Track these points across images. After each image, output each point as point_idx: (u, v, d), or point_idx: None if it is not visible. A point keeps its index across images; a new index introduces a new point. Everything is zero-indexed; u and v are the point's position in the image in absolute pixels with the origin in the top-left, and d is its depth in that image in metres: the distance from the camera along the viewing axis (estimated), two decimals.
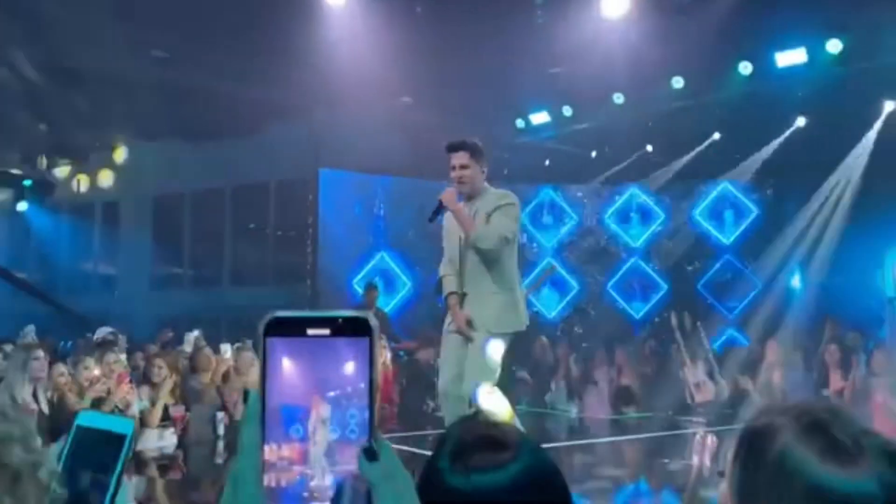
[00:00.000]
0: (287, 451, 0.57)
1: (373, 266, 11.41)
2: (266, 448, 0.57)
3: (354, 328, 0.59)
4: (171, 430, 6.26)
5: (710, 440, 7.52)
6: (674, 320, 9.23)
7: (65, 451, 0.64)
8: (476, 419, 1.05)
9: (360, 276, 11.28)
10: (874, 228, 10.22)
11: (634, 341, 10.18)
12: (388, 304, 11.03)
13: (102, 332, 7.18)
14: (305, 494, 0.57)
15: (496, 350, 4.15)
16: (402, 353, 9.14)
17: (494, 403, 4.12)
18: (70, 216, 16.03)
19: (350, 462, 0.58)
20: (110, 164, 15.46)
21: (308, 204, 11.29)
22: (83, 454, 0.65)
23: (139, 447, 6.03)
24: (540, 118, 11.89)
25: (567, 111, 11.68)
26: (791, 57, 9.90)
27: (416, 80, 10.40)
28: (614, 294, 12.28)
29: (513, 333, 4.21)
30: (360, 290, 11.01)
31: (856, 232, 10.64)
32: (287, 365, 0.58)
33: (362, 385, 0.59)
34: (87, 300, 14.60)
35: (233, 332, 8.64)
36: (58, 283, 15.82)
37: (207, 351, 7.09)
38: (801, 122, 10.87)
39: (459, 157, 4.34)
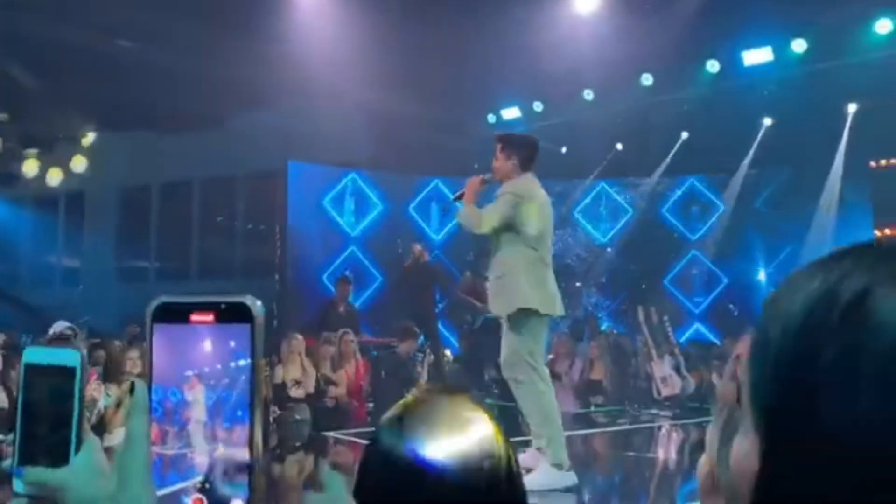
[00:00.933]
0: (169, 431, 0.60)
1: (343, 260, 11.35)
2: None
3: (237, 314, 0.61)
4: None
5: (676, 434, 7.63)
6: (641, 314, 9.34)
7: (20, 393, 0.64)
8: (435, 391, 1.00)
9: (329, 270, 11.22)
10: (842, 224, 10.45)
11: (601, 335, 10.27)
12: (359, 298, 10.99)
13: (59, 326, 7.00)
14: (185, 473, 0.60)
15: (509, 336, 4.19)
16: (372, 347, 9.12)
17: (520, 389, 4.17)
18: (33, 208, 15.70)
19: (226, 443, 0.59)
20: (75, 155, 15.17)
21: (277, 196, 11.19)
22: (37, 392, 0.65)
23: (106, 444, 5.94)
24: (511, 113, 11.93)
25: (538, 107, 11.73)
26: (757, 56, 10.06)
27: (387, 73, 10.35)
28: (582, 288, 12.39)
29: (529, 312, 4.15)
30: (329, 284, 10.95)
31: (821, 226, 10.86)
32: (170, 350, 0.60)
33: (242, 369, 0.60)
34: (51, 293, 14.33)
35: None
36: (20, 276, 15.50)
37: None
38: (767, 121, 11.05)
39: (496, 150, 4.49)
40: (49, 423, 0.66)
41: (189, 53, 10.43)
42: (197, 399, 0.60)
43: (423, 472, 0.89)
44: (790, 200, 11.34)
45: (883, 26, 9.30)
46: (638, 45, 9.93)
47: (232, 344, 0.60)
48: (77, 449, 0.68)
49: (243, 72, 10.27)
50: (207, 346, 0.60)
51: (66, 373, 0.69)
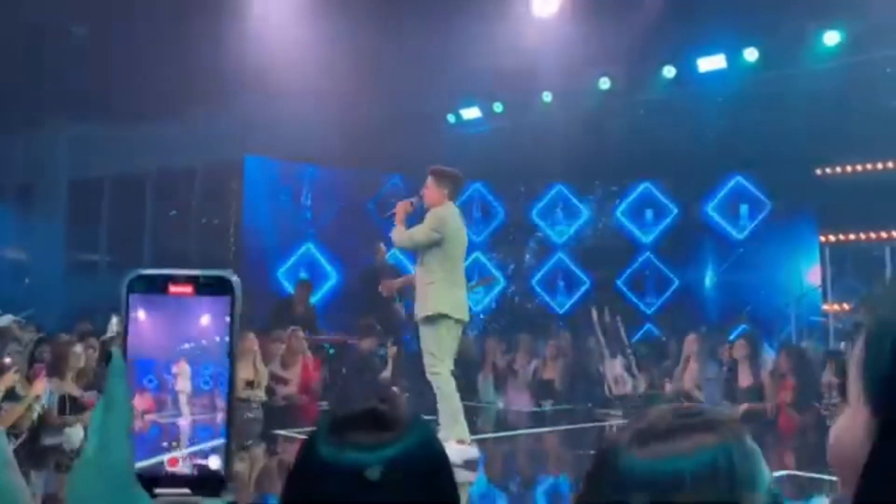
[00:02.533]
0: (142, 400, 0.61)
1: (299, 257, 11.26)
2: None
3: (216, 287, 0.62)
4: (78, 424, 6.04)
5: None
6: (595, 315, 9.47)
7: None
8: (376, 396, 1.01)
9: (285, 267, 11.12)
10: (788, 230, 10.73)
11: (556, 335, 10.38)
12: (315, 295, 10.92)
13: (5, 320, 6.80)
14: (160, 442, 0.61)
15: (428, 334, 5.02)
16: (327, 345, 9.07)
17: (443, 383, 4.90)
18: None
19: (202, 411, 0.61)
20: (24, 145, 14.75)
21: (233, 191, 11.05)
22: None
23: (47, 443, 5.80)
24: (471, 113, 11.98)
25: (498, 107, 11.80)
26: (712, 62, 10.29)
27: (347, 69, 10.30)
28: (538, 289, 12.50)
29: (443, 316, 4.97)
30: (284, 281, 10.86)
31: (768, 231, 11.15)
32: (147, 320, 0.61)
33: (219, 340, 0.61)
34: None
35: None
36: None
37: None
38: (720, 127, 11.27)
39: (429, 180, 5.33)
40: None
41: (145, 42, 10.23)
42: (182, 370, 0.61)
43: (357, 475, 0.88)
44: (740, 206, 11.62)
45: (831, 38, 9.60)
46: (596, 49, 10.06)
47: (210, 316, 0.61)
48: None
49: (200, 63, 10.12)
50: (191, 317, 0.61)
51: None
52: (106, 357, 0.55)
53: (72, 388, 6.12)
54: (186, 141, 12.58)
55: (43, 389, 5.76)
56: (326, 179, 11.55)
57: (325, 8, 9.42)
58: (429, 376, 4.99)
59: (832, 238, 10.34)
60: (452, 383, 4.95)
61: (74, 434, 6.01)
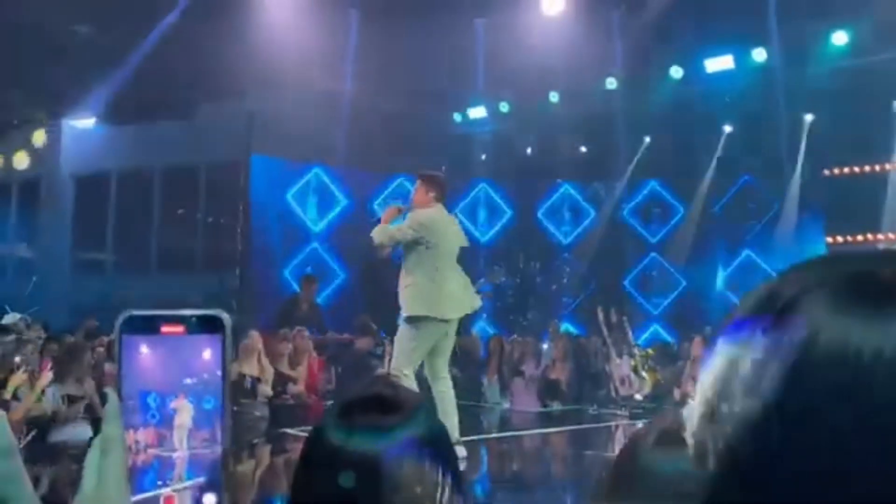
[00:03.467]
0: (143, 435, 0.63)
1: (305, 256, 11.26)
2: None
3: (208, 326, 0.63)
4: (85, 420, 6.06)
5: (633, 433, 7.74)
6: (601, 315, 9.44)
7: None
8: (378, 381, 1.02)
9: (291, 266, 11.12)
10: (796, 231, 10.70)
11: (563, 337, 10.35)
12: (320, 294, 10.92)
13: (11, 317, 6.81)
14: (160, 475, 0.63)
15: (404, 334, 5.02)
16: (329, 344, 9.07)
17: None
18: None
19: (201, 445, 0.63)
20: (29, 143, 14.78)
21: (239, 190, 11.06)
22: None
23: (54, 439, 5.82)
24: (477, 112, 11.97)
25: (504, 107, 11.79)
26: (719, 63, 10.26)
27: (354, 69, 10.31)
28: (544, 289, 12.49)
29: (423, 318, 4.95)
30: (291, 280, 10.86)
31: (775, 232, 11.11)
32: (143, 359, 0.63)
33: (215, 377, 0.63)
34: (2, 285, 13.96)
35: None
36: None
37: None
38: (728, 128, 11.25)
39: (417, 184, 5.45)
40: None
41: (151, 41, 10.25)
42: (182, 406, 0.63)
43: (353, 459, 0.89)
44: (748, 206, 11.59)
45: (839, 38, 9.56)
46: (603, 49, 10.05)
47: (204, 354, 0.63)
48: None
49: (208, 61, 10.13)
50: (185, 356, 0.63)
51: None
52: (101, 397, 0.57)
53: (78, 388, 6.14)
54: (193, 139, 12.60)
55: (48, 381, 5.77)
56: (332, 178, 11.55)
57: (331, 7, 9.43)
58: (393, 372, 4.99)
59: (839, 239, 10.30)
60: (415, 385, 4.90)
61: (81, 431, 6.03)
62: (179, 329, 0.63)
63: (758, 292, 0.50)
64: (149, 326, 0.63)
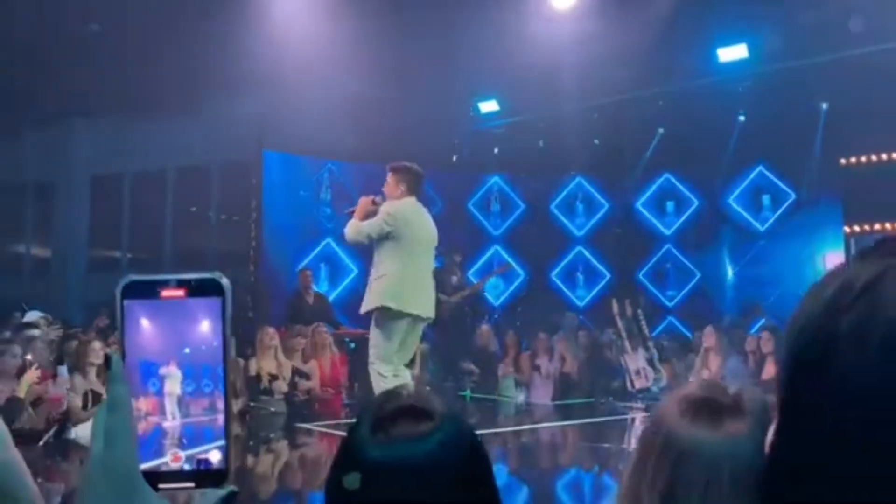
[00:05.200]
0: (144, 403, 0.63)
1: (318, 252, 11.28)
2: None
3: (207, 289, 0.64)
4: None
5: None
6: (615, 308, 9.41)
7: None
8: (398, 390, 1.03)
9: (305, 262, 11.14)
10: (813, 221, 10.60)
11: (574, 329, 10.32)
12: (334, 290, 10.94)
13: (32, 315, 6.87)
14: (162, 442, 0.63)
15: (374, 331, 4.87)
16: (347, 339, 9.08)
17: (378, 381, 4.71)
18: (1, 196, 15.39)
19: (201, 413, 0.63)
20: (45, 142, 14.89)
21: (252, 187, 11.08)
22: None
23: (71, 436, 5.86)
24: (489, 107, 11.93)
25: (515, 100, 11.73)
26: (732, 52, 10.16)
27: (364, 64, 10.28)
28: (558, 282, 12.44)
29: (388, 310, 4.80)
30: None
31: (792, 223, 11.02)
32: (144, 325, 0.63)
33: (215, 342, 0.63)
34: (19, 283, 14.08)
35: None
36: None
37: None
38: (742, 118, 11.15)
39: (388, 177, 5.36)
40: None
41: (163, 39, 10.26)
42: (171, 373, 0.63)
43: (391, 469, 0.91)
44: (763, 196, 11.49)
45: (855, 25, 9.43)
46: (614, 41, 9.96)
47: (204, 318, 0.63)
48: None
49: (218, 59, 10.14)
50: (185, 321, 0.63)
51: None
52: (105, 360, 0.57)
53: (95, 384, 6.18)
54: (205, 137, 12.64)
55: (34, 378, 5.79)
56: (345, 175, 11.55)
57: (342, 3, 9.41)
58: (373, 376, 4.82)
59: (857, 229, 10.20)
60: (389, 383, 4.67)
61: (88, 427, 6.06)
62: (179, 293, 0.63)
63: (832, 279, 0.51)
64: (149, 291, 0.63)
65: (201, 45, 9.88)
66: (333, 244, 11.42)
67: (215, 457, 0.63)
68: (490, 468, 0.97)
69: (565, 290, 12.38)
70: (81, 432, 5.89)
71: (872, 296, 0.47)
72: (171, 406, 0.63)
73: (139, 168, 14.15)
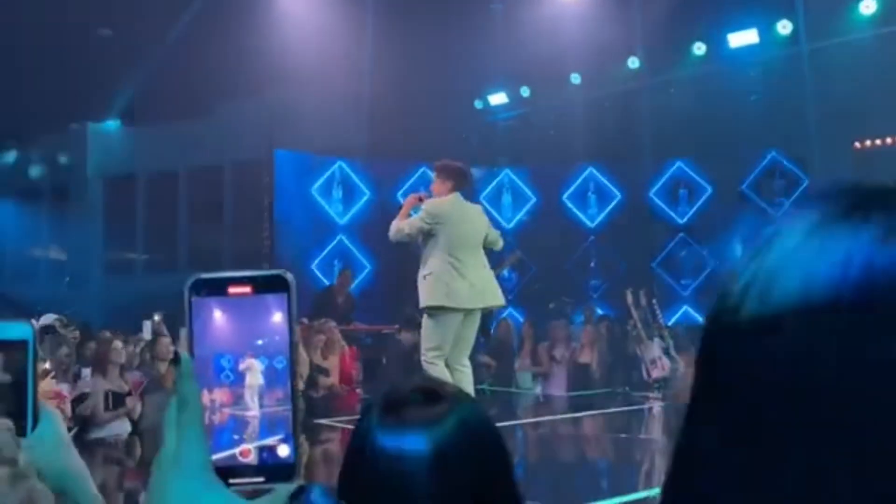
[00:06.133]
0: (218, 394, 0.64)
1: (332, 248, 11.31)
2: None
3: (273, 285, 0.66)
4: (125, 416, 6.17)
5: (666, 415, 7.70)
6: (629, 298, 9.37)
7: None
8: (414, 376, 1.03)
9: (318, 259, 11.18)
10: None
11: (601, 321, 10.29)
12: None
13: (48, 318, 6.91)
14: (234, 433, 0.65)
15: (426, 326, 5.00)
16: (363, 335, 9.12)
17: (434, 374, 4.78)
18: (17, 200, 15.55)
19: (275, 404, 0.65)
20: (59, 146, 15.02)
21: (264, 186, 11.12)
22: None
23: (95, 435, 5.92)
24: (498, 99, 11.90)
25: (525, 91, 11.71)
26: (743, 38, 10.08)
27: (373, 60, 10.30)
28: (572, 272, 12.42)
29: (439, 308, 4.92)
30: (319, 273, 10.93)
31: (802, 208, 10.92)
32: (214, 321, 0.65)
33: (282, 336, 0.65)
34: (36, 287, 14.22)
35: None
36: (3, 269, 15.37)
37: (167, 340, 7.00)
38: (753, 103, 11.07)
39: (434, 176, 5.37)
40: (3, 397, 0.67)
41: (172, 43, 10.32)
42: (251, 366, 0.65)
43: (408, 456, 0.89)
44: (776, 182, 11.41)
45: (867, 7, 9.34)
46: (624, 29, 9.92)
47: (272, 312, 0.65)
48: (34, 422, 0.70)
49: (228, 61, 10.18)
50: (254, 315, 0.65)
51: (18, 346, 0.71)
52: (174, 358, 0.59)
53: (115, 384, 6.24)
54: (216, 138, 12.70)
55: (49, 389, 5.84)
56: (356, 170, 11.57)
57: (349, 2, 9.41)
58: (424, 366, 5.00)
59: None
60: (447, 374, 4.91)
61: (118, 427, 6.13)
62: (247, 289, 0.65)
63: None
64: (217, 288, 0.65)
65: (212, 47, 9.92)
66: (346, 241, 11.46)
67: (284, 451, 0.64)
68: (506, 454, 0.95)
69: (580, 279, 12.36)
70: (102, 432, 5.96)
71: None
72: (250, 397, 0.65)
73: (152, 170, 14.24)
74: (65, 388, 5.94)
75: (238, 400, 0.65)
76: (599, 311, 10.64)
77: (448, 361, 5.05)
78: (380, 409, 0.93)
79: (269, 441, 0.64)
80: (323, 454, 5.75)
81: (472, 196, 5.44)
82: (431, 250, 5.02)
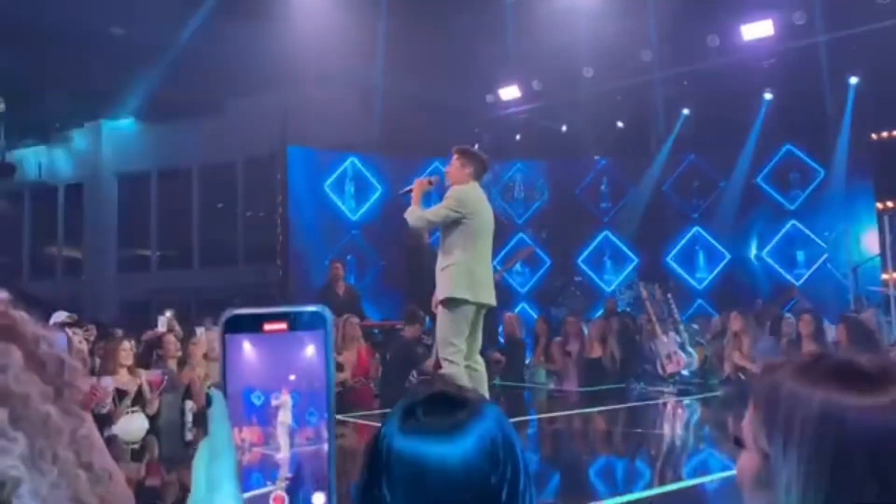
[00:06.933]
0: (249, 433, 0.63)
1: (345, 244, 11.33)
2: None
3: (310, 322, 0.64)
4: (140, 413, 6.19)
5: (682, 410, 7.65)
6: (644, 292, 9.32)
7: None
8: (436, 380, 1.02)
9: (332, 255, 11.20)
10: (844, 197, 10.40)
11: (603, 314, 10.25)
12: (361, 282, 10.98)
13: (59, 316, 6.92)
14: (266, 474, 0.63)
15: (444, 320, 4.67)
16: (376, 331, 9.12)
17: (449, 368, 4.60)
18: (32, 198, 15.67)
19: (306, 443, 0.63)
20: (72, 144, 15.11)
21: (277, 182, 11.15)
22: None
23: (111, 433, 5.95)
24: (509, 93, 11.85)
25: (537, 85, 11.65)
26: (757, 29, 9.98)
27: (384, 55, 10.28)
28: (585, 268, 12.37)
29: (461, 301, 4.63)
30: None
31: (822, 200, 10.83)
32: (247, 358, 0.63)
33: (319, 373, 0.63)
34: (52, 285, 14.34)
35: (204, 315, 8.53)
36: (20, 267, 15.49)
37: (172, 336, 7.01)
38: (768, 96, 10.97)
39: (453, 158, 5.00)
40: None
41: (185, 40, 10.34)
42: (284, 402, 0.63)
43: (429, 463, 0.88)
44: (791, 175, 11.31)
45: None
46: (637, 21, 9.84)
47: (307, 349, 0.64)
48: None
49: (241, 57, 10.20)
50: (289, 353, 0.64)
51: None
52: (207, 399, 0.57)
53: (123, 382, 6.26)
54: (229, 135, 12.73)
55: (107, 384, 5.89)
56: (368, 166, 11.58)
57: None
58: (443, 363, 4.73)
59: (890, 204, 9.99)
60: (460, 371, 4.63)
61: (126, 424, 6.14)
62: (282, 326, 0.63)
63: None
64: (252, 325, 0.63)
65: (224, 45, 9.94)
66: (358, 236, 11.47)
67: (319, 500, 0.62)
68: (525, 461, 0.94)
69: (593, 275, 12.31)
70: (110, 432, 5.96)
71: None
72: (283, 436, 0.63)
73: (165, 167, 14.31)
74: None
75: (268, 439, 0.63)
76: (621, 306, 10.58)
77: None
78: (400, 413, 0.93)
79: (305, 487, 0.62)
80: (339, 450, 5.75)
81: (485, 190, 5.24)
82: (456, 240, 4.68)
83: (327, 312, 0.64)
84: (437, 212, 4.74)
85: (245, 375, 0.63)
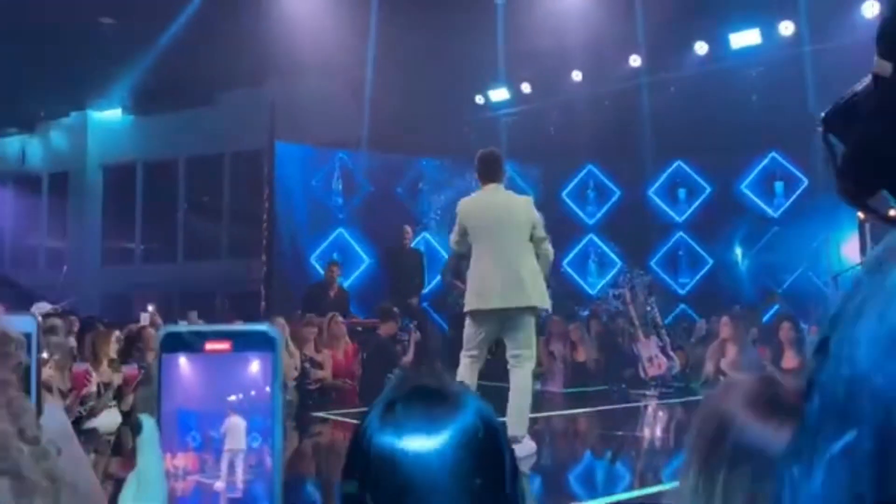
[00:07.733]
0: (184, 460, 0.58)
1: (331, 241, 11.31)
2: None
3: (255, 342, 0.59)
4: (115, 408, 6.15)
5: (662, 413, 7.71)
6: (627, 296, 9.38)
7: None
8: (422, 372, 0.97)
9: (317, 252, 11.18)
10: (827, 206, 10.50)
11: (584, 317, 10.29)
12: (347, 279, 10.97)
13: (41, 307, 6.83)
14: (204, 503, 0.58)
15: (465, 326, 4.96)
16: (359, 328, 9.12)
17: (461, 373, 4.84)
18: (15, 188, 15.53)
19: (251, 471, 0.58)
20: (58, 134, 14.99)
21: (264, 177, 11.11)
22: None
23: (84, 426, 5.91)
24: (499, 94, 11.88)
25: (526, 88, 11.69)
26: (745, 38, 10.08)
27: (374, 54, 10.27)
28: (570, 271, 12.42)
29: (470, 310, 4.91)
30: (317, 266, 10.92)
31: (805, 208, 10.94)
32: (186, 379, 0.59)
33: (264, 396, 0.59)
34: (35, 275, 14.21)
35: (187, 309, 8.51)
36: (2, 256, 15.36)
37: (152, 330, 6.99)
38: (754, 104, 11.06)
39: None
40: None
41: (174, 32, 10.29)
42: (233, 427, 0.59)
43: (408, 458, 0.86)
44: (776, 182, 11.41)
45: (871, 9, 9.32)
46: (626, 26, 9.91)
47: (252, 372, 0.59)
48: (38, 413, 0.67)
49: (230, 51, 10.16)
50: (231, 374, 0.59)
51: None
52: (136, 425, 0.52)
53: (106, 376, 6.22)
54: (216, 128, 12.68)
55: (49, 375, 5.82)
56: (356, 163, 11.56)
57: None
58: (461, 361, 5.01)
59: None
60: (469, 373, 4.82)
61: (106, 417, 6.10)
62: (225, 346, 0.59)
63: None
64: (192, 344, 0.59)
65: (214, 37, 9.89)
66: (346, 234, 11.45)
67: None
68: (512, 459, 0.91)
69: (577, 278, 12.36)
70: (90, 425, 5.92)
71: None
72: (225, 464, 0.58)
73: (151, 159, 14.22)
74: (58, 378, 5.92)
75: (203, 466, 0.58)
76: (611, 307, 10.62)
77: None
78: (381, 408, 0.90)
79: None
80: (314, 447, 5.75)
81: (472, 191, 5.25)
82: (472, 251, 4.90)
83: (275, 332, 0.60)
84: (453, 233, 5.00)
85: (182, 397, 0.58)
